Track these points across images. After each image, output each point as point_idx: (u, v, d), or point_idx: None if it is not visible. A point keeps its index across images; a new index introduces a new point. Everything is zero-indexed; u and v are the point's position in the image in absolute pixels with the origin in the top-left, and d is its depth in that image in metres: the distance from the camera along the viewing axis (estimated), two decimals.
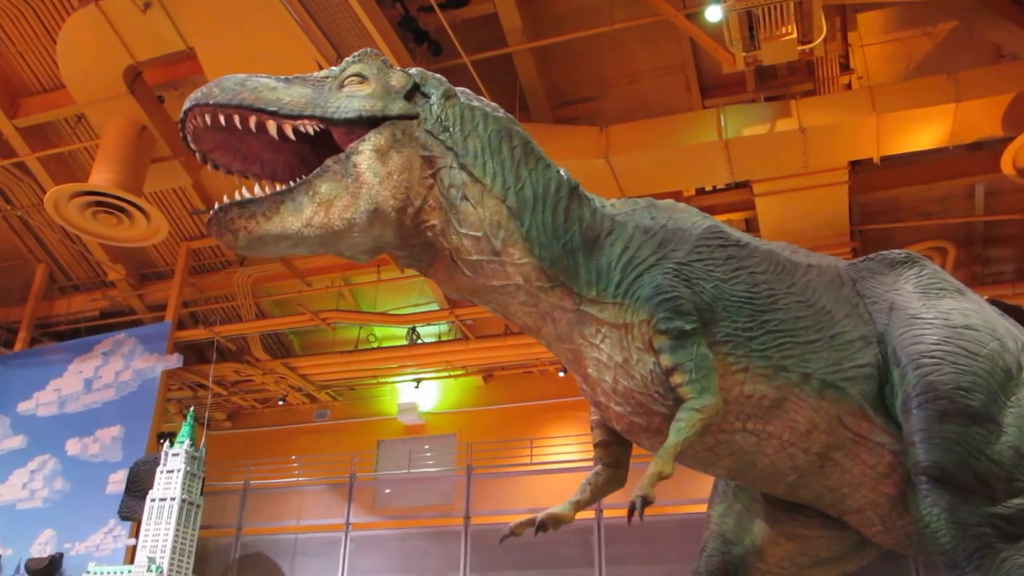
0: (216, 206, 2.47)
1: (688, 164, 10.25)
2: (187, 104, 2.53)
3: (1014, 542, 2.56)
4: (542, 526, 2.74)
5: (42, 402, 13.45)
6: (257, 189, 2.52)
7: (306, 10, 8.49)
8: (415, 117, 2.66)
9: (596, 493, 2.95)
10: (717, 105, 10.50)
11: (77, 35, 9.84)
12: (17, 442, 13.27)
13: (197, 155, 2.62)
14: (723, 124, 9.79)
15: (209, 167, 2.67)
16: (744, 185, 11.01)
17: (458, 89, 2.86)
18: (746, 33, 8.29)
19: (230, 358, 14.71)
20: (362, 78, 2.68)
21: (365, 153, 2.54)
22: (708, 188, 11.44)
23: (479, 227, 2.62)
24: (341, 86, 2.67)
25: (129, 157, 10.45)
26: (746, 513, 3.22)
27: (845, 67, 10.43)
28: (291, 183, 2.51)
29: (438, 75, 2.87)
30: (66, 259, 14.76)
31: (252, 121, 2.50)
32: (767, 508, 3.18)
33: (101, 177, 10.25)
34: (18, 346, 14.22)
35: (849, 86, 10.44)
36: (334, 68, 2.76)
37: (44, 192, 11.17)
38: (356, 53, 2.77)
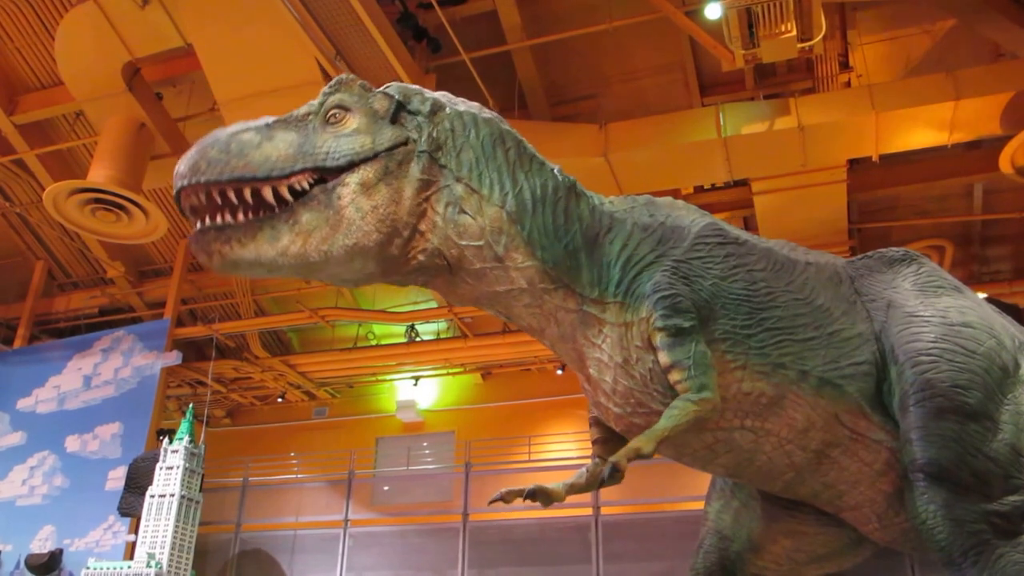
0: (197, 226, 2.48)
1: (687, 162, 10.26)
2: (177, 183, 2.48)
3: (1010, 539, 2.57)
4: (531, 495, 2.72)
5: (41, 399, 13.46)
6: (240, 215, 2.47)
7: (305, 6, 8.49)
8: (406, 143, 2.61)
9: (591, 482, 2.95)
10: (716, 103, 10.50)
11: (75, 31, 9.83)
12: (17, 439, 13.28)
13: (198, 224, 2.55)
14: (722, 122, 9.79)
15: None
16: (743, 183, 11.02)
17: (440, 95, 2.81)
18: (745, 31, 8.29)
19: (229, 355, 14.72)
20: (345, 109, 2.62)
21: (350, 186, 2.50)
22: (707, 186, 11.45)
23: (480, 236, 2.60)
24: (325, 121, 2.60)
25: (128, 154, 10.44)
26: (743, 510, 3.23)
27: (844, 65, 10.44)
28: (272, 209, 2.48)
29: (418, 88, 2.80)
30: (65, 256, 14.76)
31: (247, 193, 2.46)
32: (764, 505, 3.19)
33: (100, 174, 10.24)
34: (17, 343, 14.22)
35: (848, 84, 10.45)
36: (313, 102, 2.66)
37: (43, 189, 11.17)
38: (332, 82, 2.69)
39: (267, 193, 2.47)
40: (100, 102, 10.48)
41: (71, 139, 12.17)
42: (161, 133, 10.85)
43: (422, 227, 2.58)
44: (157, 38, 9.71)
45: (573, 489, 2.81)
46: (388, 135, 2.60)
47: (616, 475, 2.41)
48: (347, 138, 2.56)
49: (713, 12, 8.52)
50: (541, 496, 2.66)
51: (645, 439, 2.47)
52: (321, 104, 2.64)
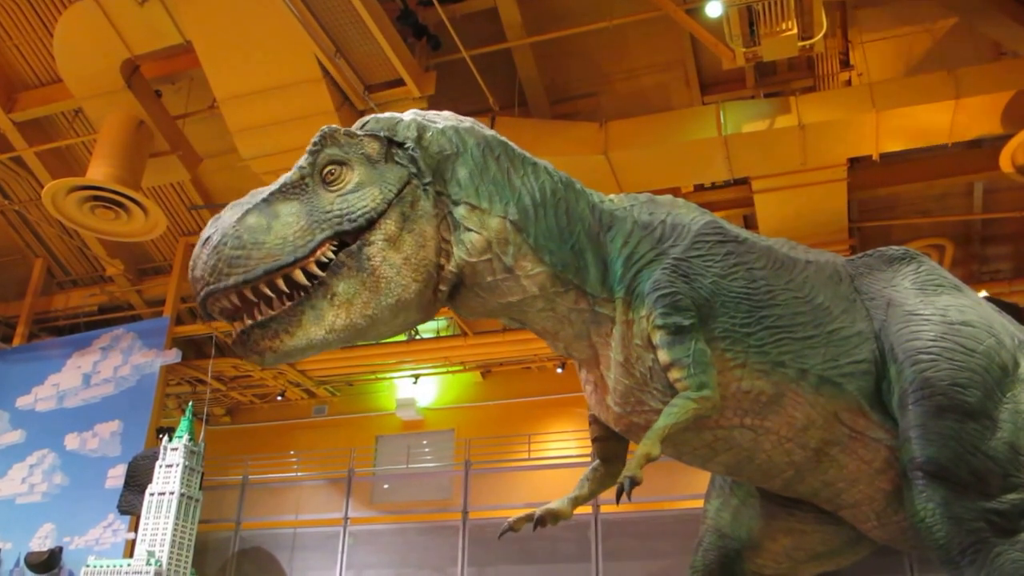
0: (239, 329, 2.40)
1: (687, 160, 10.24)
2: (201, 289, 2.36)
3: (1008, 537, 2.57)
4: (540, 521, 2.76)
5: (41, 397, 13.46)
6: (276, 304, 2.38)
7: (305, 4, 8.47)
8: (409, 181, 2.56)
9: (594, 488, 2.97)
10: (717, 101, 10.49)
11: (74, 28, 9.81)
12: (16, 436, 13.28)
13: (237, 328, 2.45)
14: (722, 120, 9.78)
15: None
16: (743, 182, 11.00)
17: (414, 117, 2.73)
18: (746, 29, 8.28)
19: (229, 353, 14.69)
20: (340, 164, 2.53)
21: (377, 244, 2.44)
22: (707, 184, 11.44)
23: (487, 250, 2.59)
24: (323, 181, 2.51)
25: (127, 152, 10.43)
26: (742, 508, 3.24)
27: (845, 64, 10.42)
28: (306, 288, 2.39)
29: (394, 116, 2.73)
30: (64, 254, 14.75)
31: (281, 283, 2.36)
32: (763, 503, 3.20)
33: (99, 172, 10.23)
34: (16, 341, 14.21)
35: (849, 83, 10.43)
36: (302, 163, 2.54)
37: (42, 187, 11.15)
38: (315, 139, 2.56)
39: (299, 276, 2.38)
40: (99, 99, 10.46)
41: (70, 136, 12.15)
42: (160, 130, 10.83)
43: (441, 260, 2.57)
44: (156, 35, 9.69)
45: (578, 502, 2.87)
46: (392, 178, 2.55)
47: (634, 486, 2.43)
48: (354, 195, 2.50)
49: (714, 10, 8.51)
50: (550, 519, 2.72)
51: (650, 442, 2.48)
52: (312, 164, 2.53)
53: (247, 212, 2.42)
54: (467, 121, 2.81)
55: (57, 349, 13.88)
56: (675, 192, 9.59)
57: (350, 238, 2.47)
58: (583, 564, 10.62)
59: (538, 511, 2.78)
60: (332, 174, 2.52)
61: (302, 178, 2.51)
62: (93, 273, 14.87)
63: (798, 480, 2.92)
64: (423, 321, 2.67)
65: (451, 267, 2.57)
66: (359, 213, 2.46)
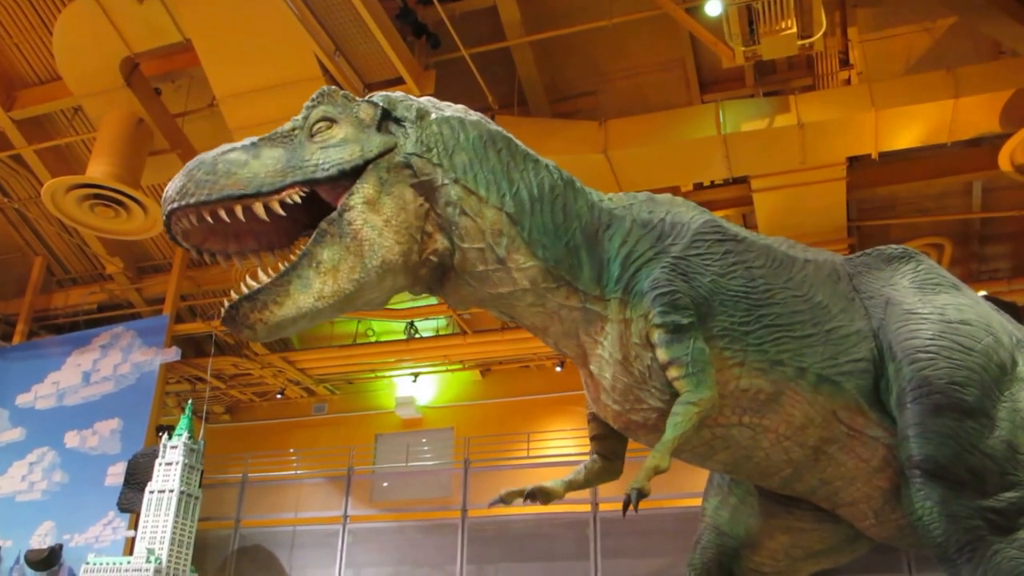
0: (226, 304, 2.44)
1: (687, 159, 10.25)
2: (166, 207, 2.46)
3: (1005, 535, 2.58)
4: (531, 495, 2.76)
5: (40, 395, 13.46)
6: (261, 275, 2.46)
7: (304, 2, 8.48)
8: (394, 148, 2.60)
9: (590, 479, 2.97)
10: (716, 100, 10.50)
11: (73, 26, 9.81)
12: (16, 434, 13.29)
13: (192, 251, 2.56)
14: (721, 119, 9.78)
15: (207, 259, 2.59)
16: (742, 180, 11.01)
17: (425, 101, 2.80)
18: (746, 28, 8.29)
19: (228, 352, 14.72)
20: (330, 121, 2.61)
21: (356, 208, 2.49)
22: (707, 183, 11.44)
23: (481, 239, 2.60)
24: (311, 135, 2.60)
25: (126, 150, 10.43)
26: (740, 506, 3.24)
27: (845, 62, 10.42)
28: (290, 259, 2.47)
29: (403, 95, 2.80)
30: (64, 252, 14.75)
31: (239, 211, 2.44)
32: (761, 501, 3.20)
33: (98, 170, 10.23)
34: (16, 339, 14.22)
35: (848, 82, 10.43)
36: (297, 117, 2.65)
37: (41, 185, 11.16)
38: (314, 95, 2.67)
39: (258, 209, 2.45)
40: (98, 97, 10.46)
41: (69, 135, 12.15)
42: (160, 129, 10.83)
43: (428, 228, 2.59)
44: (155, 33, 9.68)
45: (572, 486, 2.85)
46: (376, 142, 2.60)
47: (642, 498, 2.43)
48: (335, 148, 2.56)
49: (713, 9, 8.51)
50: (541, 495, 2.71)
51: (659, 455, 2.49)
52: (305, 118, 2.63)
53: (232, 148, 2.54)
54: (475, 115, 2.83)
55: (57, 347, 13.88)
56: (675, 191, 9.60)
57: (321, 188, 2.53)
58: (582, 562, 10.64)
59: (530, 487, 2.78)
60: (321, 129, 2.61)
61: (293, 129, 2.63)
62: (93, 271, 14.87)
63: (796, 478, 2.93)
64: (411, 287, 2.67)
65: (441, 239, 2.58)
66: (332, 163, 2.52)
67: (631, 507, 2.43)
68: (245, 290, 2.43)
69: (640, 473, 2.48)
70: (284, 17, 8.49)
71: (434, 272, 2.63)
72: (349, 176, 2.53)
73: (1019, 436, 2.74)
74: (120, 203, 10.66)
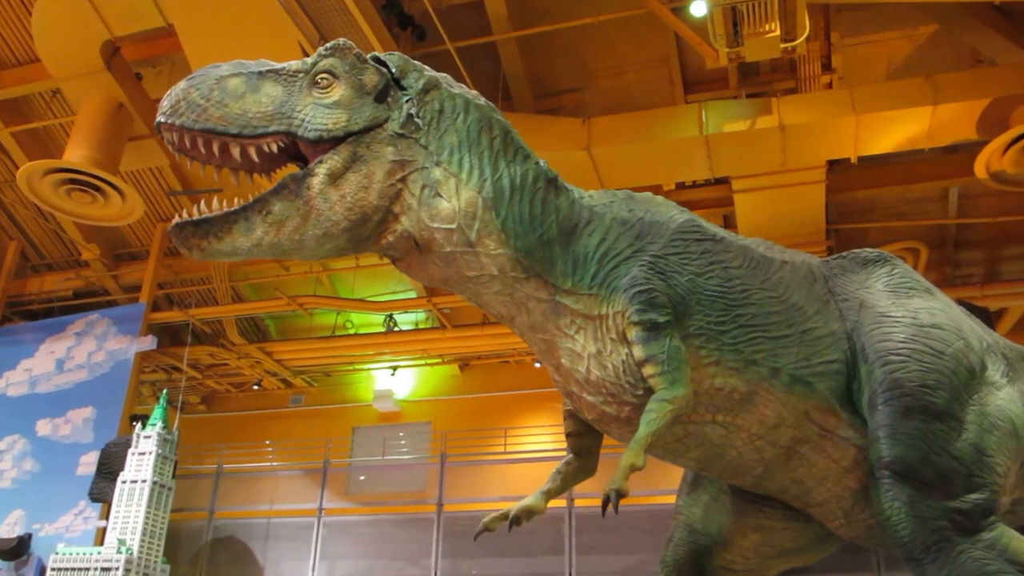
0: (174, 221, 2.54)
1: (669, 158, 10.30)
2: (158, 118, 2.56)
3: (970, 535, 2.62)
4: (516, 520, 2.77)
5: (12, 381, 13.26)
6: (216, 203, 2.53)
7: None
8: (384, 123, 2.62)
9: (567, 482, 2.99)
10: (699, 100, 10.56)
11: (53, 8, 9.64)
12: None
13: (176, 154, 2.63)
14: (704, 119, 9.84)
15: (189, 163, 2.65)
16: (723, 181, 11.09)
17: (439, 76, 2.81)
18: (730, 29, 8.33)
19: (205, 341, 14.59)
20: (333, 76, 2.62)
21: (319, 176, 2.54)
22: (688, 183, 11.51)
23: (452, 219, 2.61)
24: (313, 83, 2.61)
25: (105, 134, 10.30)
26: (713, 504, 3.27)
27: (827, 67, 10.52)
28: (254, 194, 2.54)
29: (419, 64, 2.80)
30: (39, 237, 14.52)
31: (215, 148, 2.50)
32: (734, 499, 3.23)
33: (76, 154, 10.09)
34: None
35: (830, 85, 10.54)
36: (308, 59, 2.67)
37: (17, 168, 10.98)
38: (330, 44, 2.68)
39: (234, 151, 2.51)
40: (78, 80, 10.31)
41: (47, 117, 11.96)
42: (139, 114, 10.69)
43: (395, 209, 2.61)
44: (137, 17, 9.56)
45: (551, 495, 2.89)
46: (366, 115, 2.61)
47: (620, 499, 2.46)
48: (325, 110, 2.58)
49: (698, 9, 8.56)
50: (524, 515, 2.74)
51: (634, 453, 2.50)
52: (313, 64, 2.65)
53: (236, 73, 2.58)
54: (483, 100, 2.84)
55: (30, 334, 13.68)
56: (656, 189, 9.62)
57: (304, 146, 2.58)
58: (556, 557, 10.69)
59: (513, 509, 2.79)
60: (322, 82, 2.62)
61: (298, 71, 2.64)
62: (68, 257, 14.65)
63: (768, 477, 2.96)
64: (354, 253, 2.75)
65: (405, 221, 2.61)
66: (315, 127, 2.55)
67: (610, 507, 2.44)
68: (198, 214, 2.51)
69: (617, 473, 2.49)
70: (268, 4, 8.41)
71: (393, 247, 2.67)
72: (328, 143, 2.56)
73: (986, 439, 2.79)
74: (98, 188, 10.52)
